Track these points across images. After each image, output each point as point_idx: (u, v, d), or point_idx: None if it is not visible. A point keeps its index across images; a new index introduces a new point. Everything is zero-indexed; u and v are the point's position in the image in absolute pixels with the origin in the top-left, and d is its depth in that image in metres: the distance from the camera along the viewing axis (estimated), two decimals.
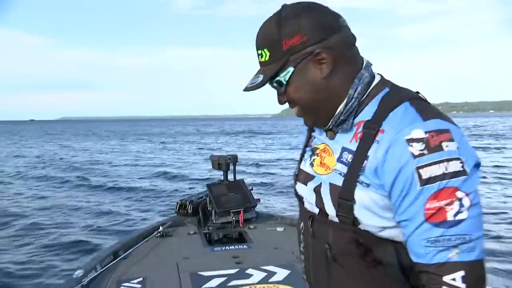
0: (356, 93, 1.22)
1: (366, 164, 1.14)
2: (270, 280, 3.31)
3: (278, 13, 1.23)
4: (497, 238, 7.80)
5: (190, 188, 13.57)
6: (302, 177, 1.41)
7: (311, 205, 1.34)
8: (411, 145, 1.05)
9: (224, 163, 5.24)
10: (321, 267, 1.30)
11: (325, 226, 1.27)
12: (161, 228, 4.46)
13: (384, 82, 1.28)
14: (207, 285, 3.25)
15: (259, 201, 5.14)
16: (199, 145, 36.72)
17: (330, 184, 1.23)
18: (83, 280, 3.19)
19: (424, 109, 1.13)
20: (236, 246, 4.20)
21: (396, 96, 1.20)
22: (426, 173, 1.03)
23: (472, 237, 1.03)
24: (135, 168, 20.69)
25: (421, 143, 1.05)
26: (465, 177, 1.03)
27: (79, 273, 3.27)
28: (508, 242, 7.54)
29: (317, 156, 1.35)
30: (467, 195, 1.03)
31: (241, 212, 4.75)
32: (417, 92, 1.25)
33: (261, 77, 1.25)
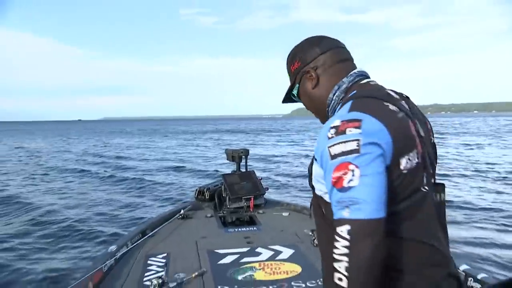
0: (334, 96, 1.42)
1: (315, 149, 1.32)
2: (277, 258, 3.31)
3: (292, 48, 1.56)
4: (468, 223, 7.62)
5: (207, 177, 13.54)
6: None
7: None
8: (330, 131, 1.22)
9: (237, 156, 5.26)
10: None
11: None
12: (182, 212, 4.50)
13: (358, 86, 1.41)
14: (222, 261, 3.26)
15: (267, 189, 5.15)
16: (217, 142, 36.51)
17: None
18: (116, 254, 3.23)
19: (357, 104, 1.28)
20: (247, 228, 4.22)
21: (353, 96, 1.35)
22: (332, 151, 1.19)
23: (361, 200, 1.13)
24: (159, 162, 20.59)
25: (335, 129, 1.21)
26: (357, 154, 1.16)
27: (113, 248, 3.31)
28: (475, 229, 7.35)
29: None
30: (357, 167, 1.15)
31: (252, 198, 4.79)
32: (392, 90, 1.41)
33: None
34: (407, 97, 1.44)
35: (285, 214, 4.69)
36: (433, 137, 1.46)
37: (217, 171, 15.02)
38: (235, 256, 3.37)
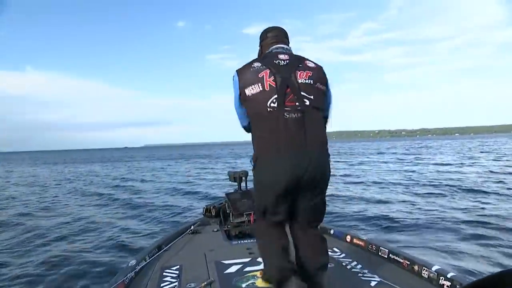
0: None
1: None
2: None
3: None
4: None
5: (213, 196, 12.51)
6: None
7: None
8: None
9: (238, 176, 5.10)
10: None
11: None
12: (192, 227, 4.40)
13: (259, 56, 2.32)
14: (227, 270, 3.13)
15: None
16: (232, 164, 34.89)
17: None
18: (136, 267, 3.11)
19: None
20: (249, 240, 4.05)
21: None
22: None
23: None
24: (178, 183, 18.83)
25: None
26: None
27: (132, 262, 3.20)
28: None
29: None
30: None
31: (252, 214, 4.58)
32: (283, 54, 2.17)
33: None
34: (296, 57, 2.18)
35: None
36: (309, 79, 2.08)
37: (222, 189, 14.03)
38: (239, 266, 3.24)
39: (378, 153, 42.71)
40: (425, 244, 5.98)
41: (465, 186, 12.55)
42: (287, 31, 2.38)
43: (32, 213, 10.78)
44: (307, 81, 2.05)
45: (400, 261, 3.09)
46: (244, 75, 2.09)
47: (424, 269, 2.83)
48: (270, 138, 1.98)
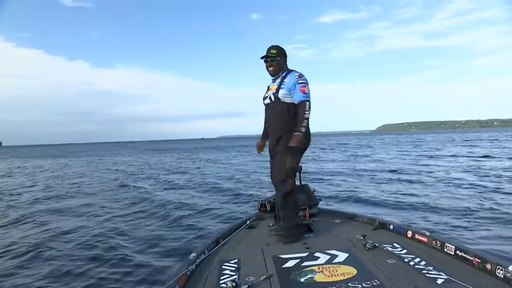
0: (283, 71, 3.88)
1: (284, 84, 3.70)
2: (333, 261, 3.11)
3: (281, 47, 3.94)
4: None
5: (269, 191, 11.04)
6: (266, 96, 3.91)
7: (267, 100, 3.87)
8: (295, 76, 3.68)
9: None
10: None
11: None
12: (248, 222, 4.44)
13: (287, 70, 3.87)
14: (285, 265, 3.12)
15: (321, 200, 4.95)
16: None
17: (273, 93, 3.78)
18: (196, 260, 3.21)
19: (296, 71, 3.75)
20: (305, 235, 3.97)
21: (289, 71, 3.83)
22: (300, 81, 3.64)
23: (308, 95, 3.65)
24: (237, 172, 18.93)
25: (297, 76, 3.68)
26: (306, 83, 3.73)
27: (193, 255, 3.29)
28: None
29: (269, 88, 3.94)
30: (306, 86, 3.66)
31: (307, 208, 4.60)
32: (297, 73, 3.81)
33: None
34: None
35: (337, 221, 4.44)
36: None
37: None
38: (296, 261, 3.20)
39: None
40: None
41: None
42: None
43: None
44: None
45: (469, 259, 2.85)
46: None
47: (498, 268, 2.56)
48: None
